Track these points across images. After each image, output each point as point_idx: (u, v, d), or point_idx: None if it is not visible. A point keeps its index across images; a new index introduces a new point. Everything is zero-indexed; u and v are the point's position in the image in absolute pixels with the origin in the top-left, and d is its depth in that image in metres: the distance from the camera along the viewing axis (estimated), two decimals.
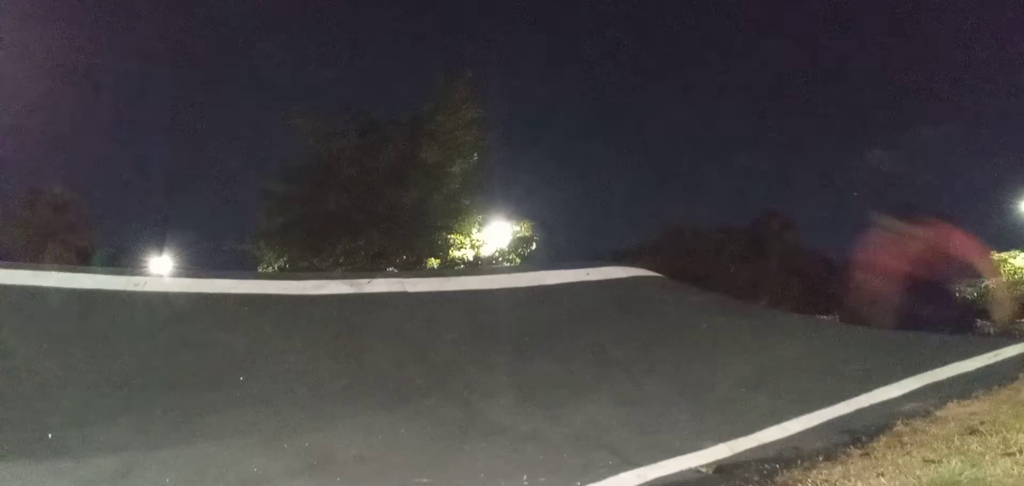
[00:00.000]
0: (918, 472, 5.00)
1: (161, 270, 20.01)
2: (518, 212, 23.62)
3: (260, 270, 21.37)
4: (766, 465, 5.63)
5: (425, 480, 5.67)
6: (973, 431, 5.85)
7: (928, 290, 12.03)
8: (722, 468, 5.83)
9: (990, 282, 18.84)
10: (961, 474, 4.85)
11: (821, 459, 5.62)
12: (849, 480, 5.01)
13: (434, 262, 21.89)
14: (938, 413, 6.61)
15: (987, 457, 5.13)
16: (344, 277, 12.46)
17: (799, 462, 5.59)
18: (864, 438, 6.09)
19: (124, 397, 7.12)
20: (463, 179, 22.27)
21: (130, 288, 9.81)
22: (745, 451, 6.24)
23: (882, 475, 5.03)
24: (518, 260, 22.80)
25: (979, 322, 23.95)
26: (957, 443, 5.57)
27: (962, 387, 7.63)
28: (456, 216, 22.28)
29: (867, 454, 5.64)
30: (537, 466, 5.87)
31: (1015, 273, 24.14)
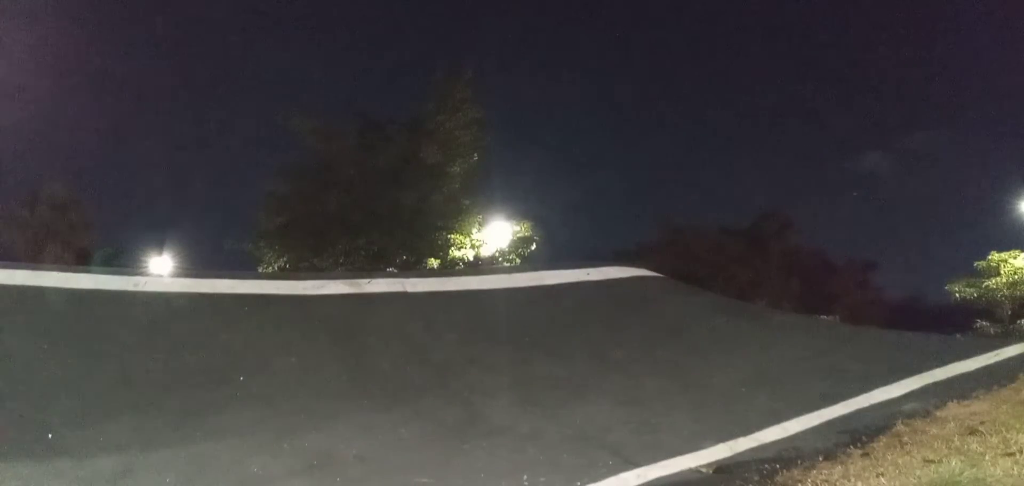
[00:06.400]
0: (918, 472, 5.00)
1: (161, 270, 19.97)
2: (518, 212, 23.52)
3: (260, 270, 21.32)
4: (766, 465, 5.63)
5: (425, 480, 5.67)
6: (973, 431, 5.85)
7: None
8: (722, 468, 5.83)
9: None
10: (961, 474, 4.85)
11: (821, 459, 5.63)
12: (849, 480, 5.02)
13: (434, 262, 21.84)
14: (938, 413, 6.62)
15: (987, 457, 5.14)
16: (344, 277, 12.47)
17: (799, 462, 5.60)
18: (864, 438, 6.10)
19: (124, 397, 7.12)
20: (463, 179, 22.18)
21: (130, 288, 9.81)
22: (745, 451, 6.25)
23: (882, 475, 5.03)
24: (518, 260, 22.72)
25: (979, 322, 24.04)
26: (957, 443, 5.57)
27: (962, 387, 7.64)
28: (456, 216, 22.20)
29: (867, 454, 5.64)
30: (537, 466, 5.88)
31: (1015, 273, 24.04)
